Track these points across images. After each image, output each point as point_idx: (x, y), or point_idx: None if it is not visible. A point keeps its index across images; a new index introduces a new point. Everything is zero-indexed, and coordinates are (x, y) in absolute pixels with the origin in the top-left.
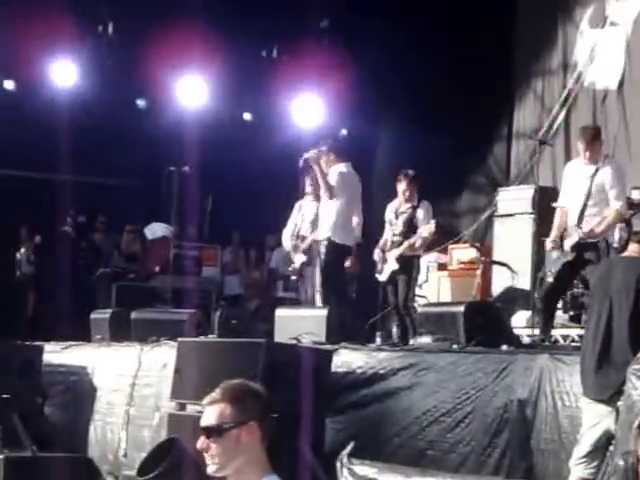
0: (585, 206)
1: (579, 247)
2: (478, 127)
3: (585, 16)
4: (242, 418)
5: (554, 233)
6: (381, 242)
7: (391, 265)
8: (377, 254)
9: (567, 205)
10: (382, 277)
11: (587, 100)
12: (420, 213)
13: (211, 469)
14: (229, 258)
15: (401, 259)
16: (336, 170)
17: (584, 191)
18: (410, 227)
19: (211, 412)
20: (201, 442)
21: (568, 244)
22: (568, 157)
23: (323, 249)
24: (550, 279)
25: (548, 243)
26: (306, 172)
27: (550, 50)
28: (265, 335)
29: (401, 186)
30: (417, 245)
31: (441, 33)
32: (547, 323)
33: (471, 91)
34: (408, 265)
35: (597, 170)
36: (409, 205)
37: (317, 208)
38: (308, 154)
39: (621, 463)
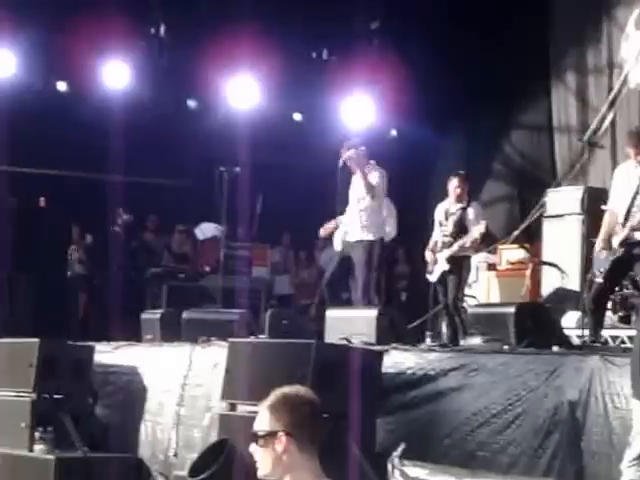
0: (632, 205)
1: (627, 245)
2: (524, 126)
3: (630, 18)
4: (273, 428)
5: (603, 232)
6: (431, 243)
7: (441, 266)
8: (428, 255)
9: (615, 207)
10: (433, 277)
11: (635, 102)
12: (470, 214)
13: (259, 472)
14: (279, 258)
15: (451, 259)
16: (375, 170)
17: (632, 191)
18: (460, 228)
19: (257, 418)
20: (251, 445)
21: (616, 241)
22: (614, 158)
23: (377, 249)
24: (599, 279)
25: (598, 243)
26: (342, 173)
27: (589, 49)
28: (315, 335)
29: (452, 186)
30: (467, 245)
31: (490, 31)
32: (597, 324)
33: (518, 90)
34: (458, 265)
35: None
36: (459, 206)
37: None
38: (348, 154)
39: None
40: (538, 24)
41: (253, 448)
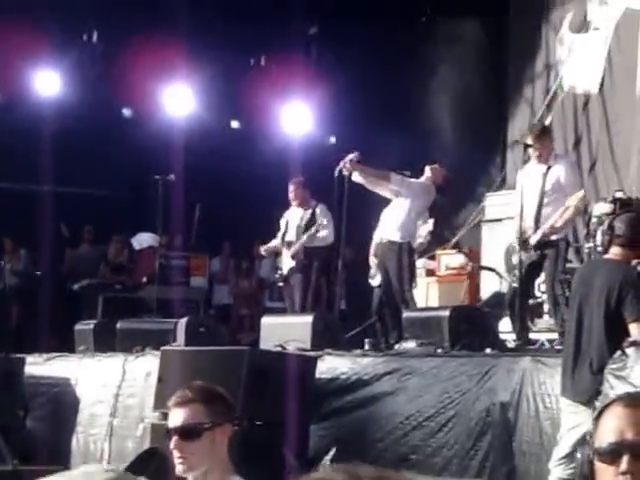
0: (541, 206)
1: (540, 246)
2: (471, 134)
3: (565, 21)
4: (217, 419)
5: (516, 237)
6: (373, 247)
7: None
8: (371, 259)
9: (523, 211)
10: (374, 282)
11: (569, 105)
12: None
13: (180, 469)
14: (218, 268)
15: None
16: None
17: (538, 191)
18: None
19: (185, 412)
20: (174, 442)
21: (530, 244)
22: None
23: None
24: (515, 284)
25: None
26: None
27: (536, 55)
28: (234, 341)
29: None
30: None
31: (428, 38)
32: (522, 328)
33: (464, 98)
34: None
35: (549, 168)
36: None
37: (302, 214)
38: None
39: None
40: (493, 28)
41: (178, 444)
